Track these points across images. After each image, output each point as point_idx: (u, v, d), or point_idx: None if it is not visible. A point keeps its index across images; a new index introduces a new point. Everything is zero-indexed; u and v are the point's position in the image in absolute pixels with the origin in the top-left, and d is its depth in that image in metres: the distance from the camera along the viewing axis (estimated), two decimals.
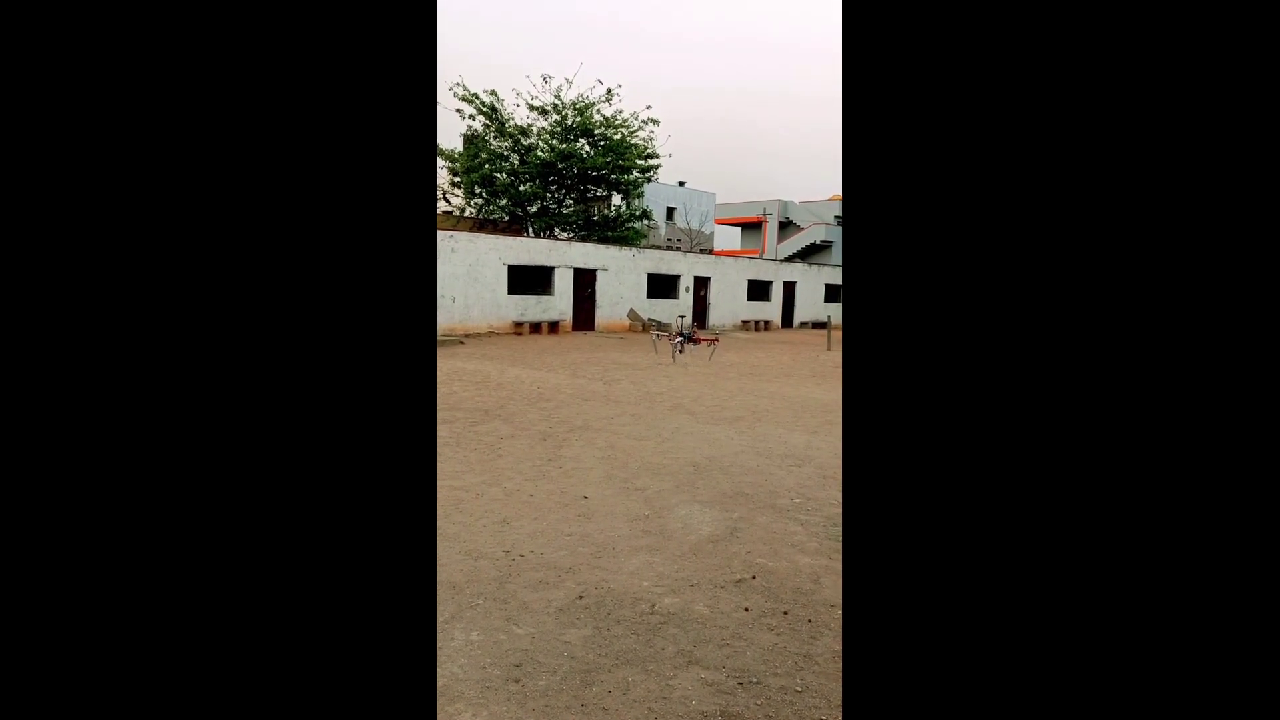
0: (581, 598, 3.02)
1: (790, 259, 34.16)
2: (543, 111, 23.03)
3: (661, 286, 22.46)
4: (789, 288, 27.15)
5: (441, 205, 24.21)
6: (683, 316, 19.48)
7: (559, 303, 19.43)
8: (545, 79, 27.29)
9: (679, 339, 14.52)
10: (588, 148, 23.08)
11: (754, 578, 3.29)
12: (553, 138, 23.03)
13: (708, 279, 23.71)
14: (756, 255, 35.80)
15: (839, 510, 4.37)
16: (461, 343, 15.20)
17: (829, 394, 9.52)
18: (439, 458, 5.20)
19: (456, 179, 23.75)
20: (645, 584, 3.18)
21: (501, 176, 23.08)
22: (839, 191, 41.86)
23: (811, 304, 28.20)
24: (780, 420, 7.41)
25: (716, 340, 15.73)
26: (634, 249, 21.53)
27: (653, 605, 2.97)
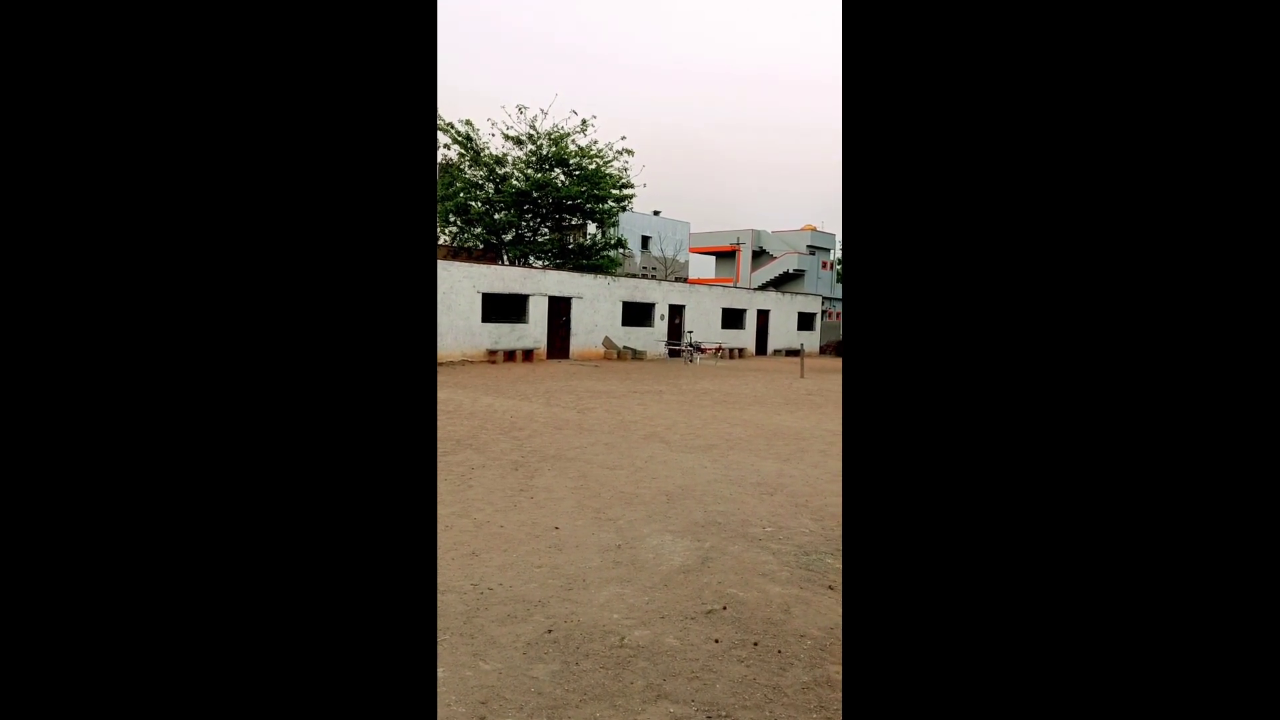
0: (550, 631, 2.98)
1: (764, 288, 34.52)
2: (518, 141, 23.20)
3: (636, 314, 22.54)
4: (762, 316, 27.40)
5: None
6: (691, 331, 23.93)
7: (534, 331, 19.39)
8: (520, 109, 27.57)
9: (689, 349, 21.18)
10: (563, 177, 23.25)
11: (725, 608, 3.27)
12: (528, 167, 23.17)
13: (682, 307, 23.85)
14: (730, 284, 36.14)
15: (810, 539, 4.38)
16: None
17: (802, 421, 9.57)
18: None
19: None
20: (615, 616, 3.15)
21: (476, 205, 23.13)
22: (811, 221, 42.40)
23: (785, 332, 28.46)
24: (753, 448, 7.43)
25: (720, 350, 22.90)
26: (609, 277, 21.61)
27: (622, 638, 2.94)
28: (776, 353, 27.76)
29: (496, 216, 23.09)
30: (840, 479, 6.06)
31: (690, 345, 21.90)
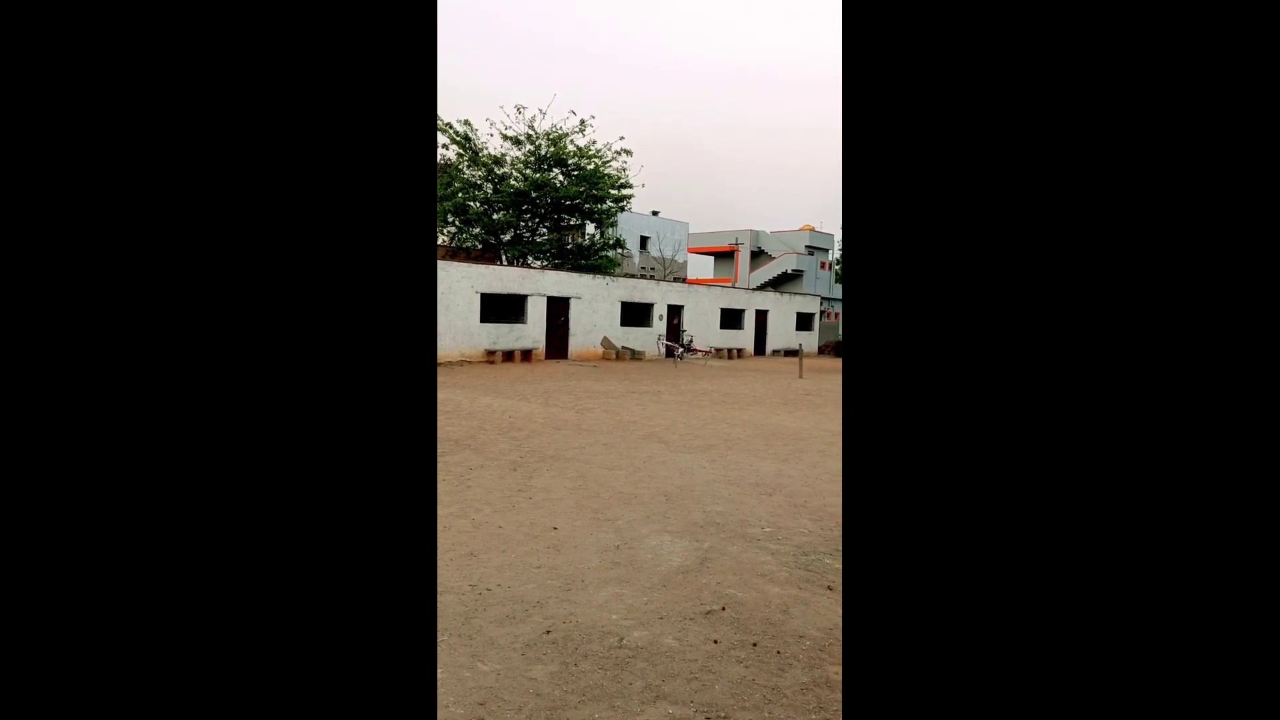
0: (549, 632, 2.98)
1: (762, 288, 34.52)
2: (516, 141, 23.19)
3: (635, 315, 22.54)
4: (761, 316, 27.42)
5: None
6: (685, 330, 24.05)
7: (532, 331, 19.38)
8: (519, 109, 27.58)
9: (681, 350, 21.96)
10: (561, 177, 23.24)
11: (723, 609, 3.27)
12: (526, 167, 23.17)
13: (681, 307, 23.85)
14: (729, 284, 36.14)
15: (809, 539, 4.38)
16: None
17: (800, 422, 9.58)
18: None
19: None
20: (614, 617, 3.15)
21: (475, 205, 23.12)
22: (811, 221, 42.39)
23: (783, 332, 28.48)
24: (752, 448, 7.43)
25: (710, 352, 23.55)
26: (608, 277, 21.61)
27: (621, 639, 2.93)
28: (775, 353, 27.77)
29: (495, 217, 23.08)
30: (838, 479, 6.06)
31: (681, 345, 22.38)
